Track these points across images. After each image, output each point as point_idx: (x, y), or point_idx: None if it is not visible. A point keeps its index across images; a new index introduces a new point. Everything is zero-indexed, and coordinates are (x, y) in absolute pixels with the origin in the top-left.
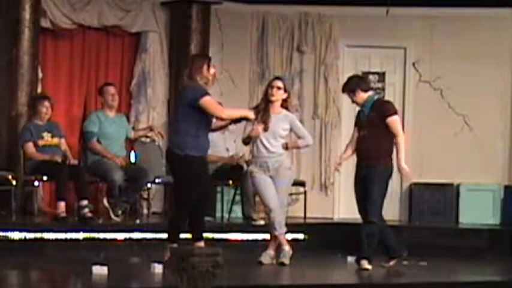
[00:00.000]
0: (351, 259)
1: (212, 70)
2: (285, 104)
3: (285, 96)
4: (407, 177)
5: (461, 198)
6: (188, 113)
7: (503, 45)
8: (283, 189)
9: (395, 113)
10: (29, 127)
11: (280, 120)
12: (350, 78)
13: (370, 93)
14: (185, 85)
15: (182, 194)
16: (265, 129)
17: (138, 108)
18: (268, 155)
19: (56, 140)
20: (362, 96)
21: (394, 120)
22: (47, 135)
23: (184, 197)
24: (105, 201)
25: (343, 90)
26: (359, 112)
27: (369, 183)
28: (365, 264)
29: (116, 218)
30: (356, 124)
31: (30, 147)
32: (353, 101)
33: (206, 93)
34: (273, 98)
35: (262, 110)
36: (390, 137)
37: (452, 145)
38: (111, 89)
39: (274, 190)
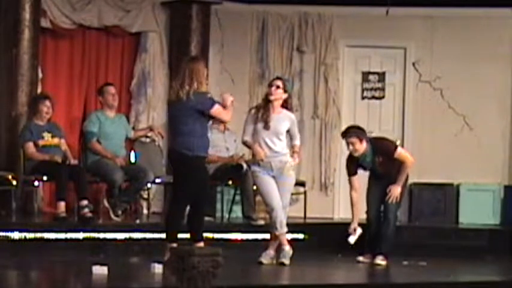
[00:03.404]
0: (362, 259)
1: (206, 71)
2: (285, 105)
3: (284, 96)
4: (392, 198)
5: (461, 198)
6: (196, 117)
7: (503, 45)
8: (286, 189)
9: (396, 146)
10: (29, 127)
11: (282, 119)
12: (352, 127)
13: (367, 143)
14: (192, 91)
15: (184, 193)
16: (266, 128)
17: (138, 108)
18: (272, 155)
19: (56, 140)
20: (365, 144)
21: (400, 154)
22: (47, 135)
23: (186, 196)
24: (105, 201)
25: (348, 135)
26: (356, 161)
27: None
28: (380, 259)
29: (116, 218)
30: (354, 172)
31: (30, 147)
32: (354, 151)
33: (215, 103)
34: (272, 97)
35: (263, 109)
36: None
37: (452, 145)
38: (112, 89)
39: (276, 190)
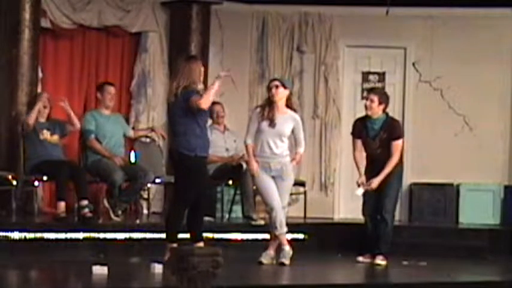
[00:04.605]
0: (362, 259)
1: (201, 69)
2: (289, 103)
3: (286, 92)
4: (369, 189)
5: (461, 198)
6: (188, 115)
7: (503, 45)
8: (285, 190)
9: (401, 136)
10: None
11: (286, 120)
12: (381, 89)
13: (383, 111)
14: (182, 89)
15: (185, 193)
16: (271, 126)
17: (138, 108)
18: (272, 156)
19: (55, 138)
20: (381, 109)
21: (398, 145)
22: (46, 133)
23: (187, 197)
24: (105, 201)
25: (373, 92)
26: (364, 124)
27: (387, 183)
28: (380, 260)
29: (116, 218)
30: (359, 135)
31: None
32: (369, 107)
33: (193, 94)
34: (276, 98)
35: (268, 107)
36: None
37: (452, 145)
38: (112, 90)
39: (276, 189)
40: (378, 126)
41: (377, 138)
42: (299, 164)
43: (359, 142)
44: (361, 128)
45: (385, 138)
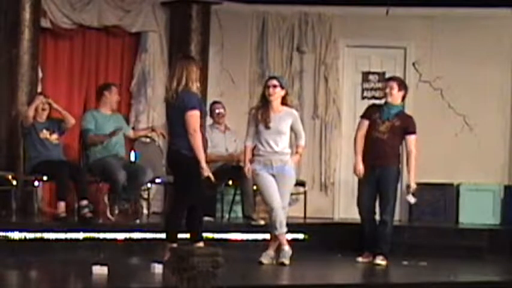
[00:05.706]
0: (361, 260)
1: (199, 70)
2: (284, 101)
3: (282, 93)
4: (413, 196)
5: (461, 198)
6: None
7: (503, 45)
8: (287, 188)
9: (416, 131)
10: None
11: (283, 118)
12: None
13: (402, 98)
14: (182, 90)
15: (184, 193)
16: (267, 128)
17: (138, 108)
18: (273, 154)
19: (54, 136)
20: (401, 97)
21: (413, 140)
22: (46, 133)
23: (186, 197)
24: (105, 198)
25: (392, 79)
26: (380, 107)
27: (385, 183)
28: (380, 260)
29: (111, 217)
30: (369, 116)
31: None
32: (389, 94)
33: (195, 108)
34: (272, 98)
35: (262, 108)
36: (401, 143)
37: (452, 145)
38: (117, 91)
39: (277, 190)
40: (394, 111)
41: (389, 122)
42: (301, 156)
43: (366, 123)
44: (374, 110)
45: (398, 126)
